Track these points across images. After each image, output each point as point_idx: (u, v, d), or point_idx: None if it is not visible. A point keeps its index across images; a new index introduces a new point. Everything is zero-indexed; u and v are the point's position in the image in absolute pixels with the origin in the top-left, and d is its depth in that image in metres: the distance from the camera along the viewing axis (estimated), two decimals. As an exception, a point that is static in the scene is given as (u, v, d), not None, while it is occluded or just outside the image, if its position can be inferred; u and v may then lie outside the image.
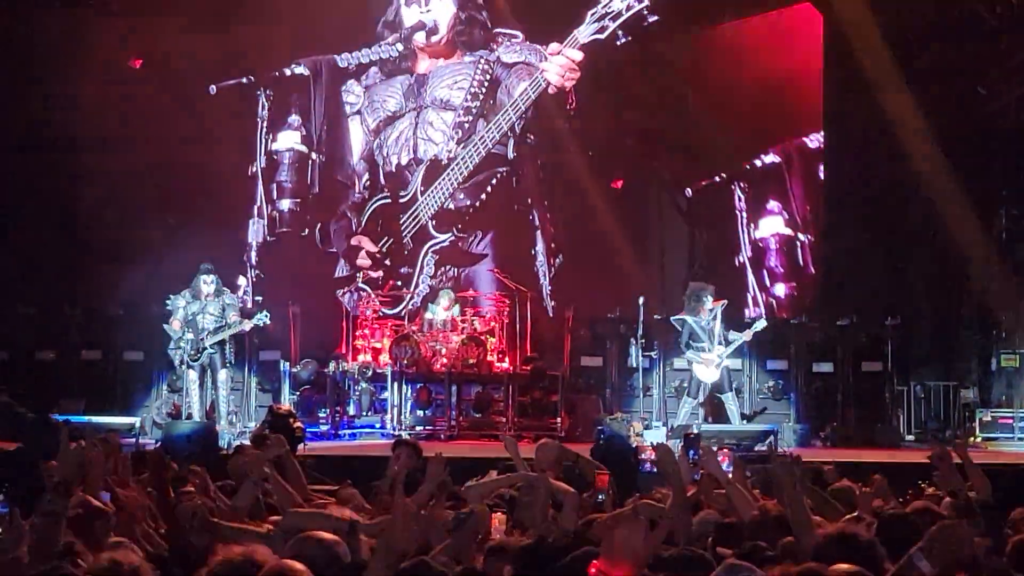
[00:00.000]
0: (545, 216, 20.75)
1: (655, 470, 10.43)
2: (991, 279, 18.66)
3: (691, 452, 7.12)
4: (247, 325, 16.38)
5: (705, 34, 20.93)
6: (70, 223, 19.61)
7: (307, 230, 21.28)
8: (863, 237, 19.08)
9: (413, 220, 20.85)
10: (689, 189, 21.09)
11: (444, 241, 20.48)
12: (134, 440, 14.31)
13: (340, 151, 21.77)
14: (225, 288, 16.85)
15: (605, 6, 19.09)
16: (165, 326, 16.50)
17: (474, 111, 20.91)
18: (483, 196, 20.65)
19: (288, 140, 21.07)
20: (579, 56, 19.70)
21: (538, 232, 20.61)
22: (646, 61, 20.36)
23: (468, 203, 20.68)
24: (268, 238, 20.19)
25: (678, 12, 19.72)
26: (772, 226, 20.40)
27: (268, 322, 16.64)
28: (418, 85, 21.37)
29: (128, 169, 19.65)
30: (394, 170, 21.21)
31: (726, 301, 16.69)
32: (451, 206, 20.70)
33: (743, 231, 20.62)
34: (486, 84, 20.99)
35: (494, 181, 20.68)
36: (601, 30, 19.14)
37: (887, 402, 18.28)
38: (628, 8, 18.97)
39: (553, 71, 20.04)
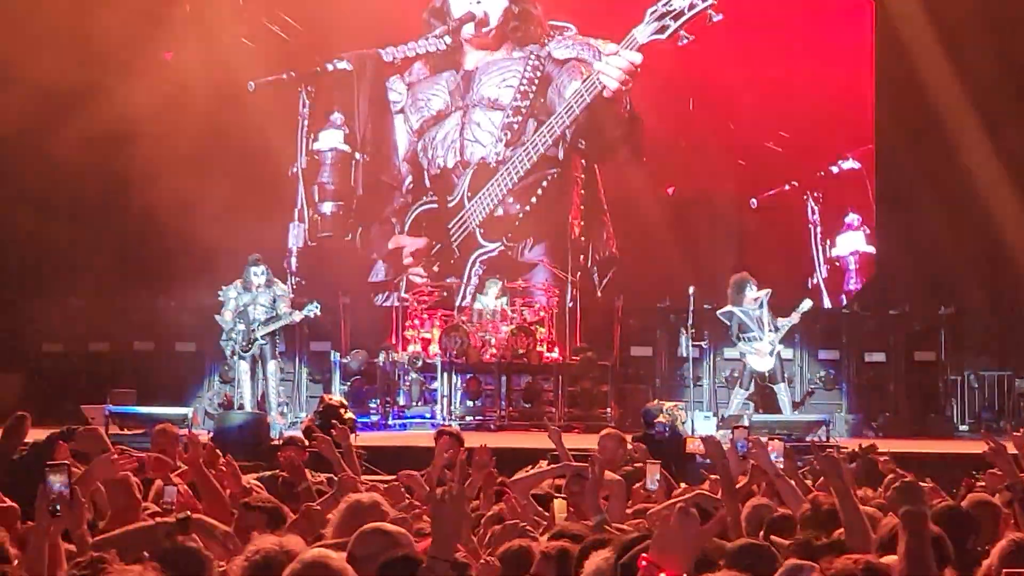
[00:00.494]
0: (599, 218, 19.99)
1: (706, 461, 10.41)
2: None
3: (740, 444, 7.04)
4: (297, 316, 16.43)
5: (754, 34, 19.51)
6: (121, 215, 19.69)
7: (350, 234, 20.48)
8: (916, 226, 18.88)
9: (461, 227, 20.07)
10: (754, 199, 19.69)
11: (493, 251, 19.85)
12: (186, 431, 14.38)
13: (385, 150, 20.95)
14: (276, 279, 16.90)
15: (666, 4, 18.16)
16: (217, 317, 16.59)
17: (523, 111, 20.16)
18: (533, 200, 19.91)
19: (331, 139, 20.47)
20: (638, 59, 18.79)
21: (573, 222, 19.94)
22: (699, 62, 19.10)
23: (517, 208, 19.97)
24: (309, 243, 20.10)
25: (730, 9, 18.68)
26: (851, 243, 19.48)
27: (319, 313, 16.67)
28: (464, 83, 20.53)
29: (168, 165, 18.62)
30: (440, 172, 20.43)
31: (771, 290, 16.54)
32: (500, 212, 19.99)
33: (817, 249, 19.55)
34: (536, 82, 20.18)
35: (544, 183, 19.91)
36: (662, 30, 18.18)
37: (940, 392, 18.14)
38: (691, 6, 17.92)
39: (611, 74, 19.12)
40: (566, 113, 19.61)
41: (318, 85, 20.21)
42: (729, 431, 14.17)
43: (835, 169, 19.66)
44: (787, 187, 19.66)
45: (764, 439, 7.41)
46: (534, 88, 20.14)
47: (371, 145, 20.81)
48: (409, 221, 20.45)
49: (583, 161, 20.17)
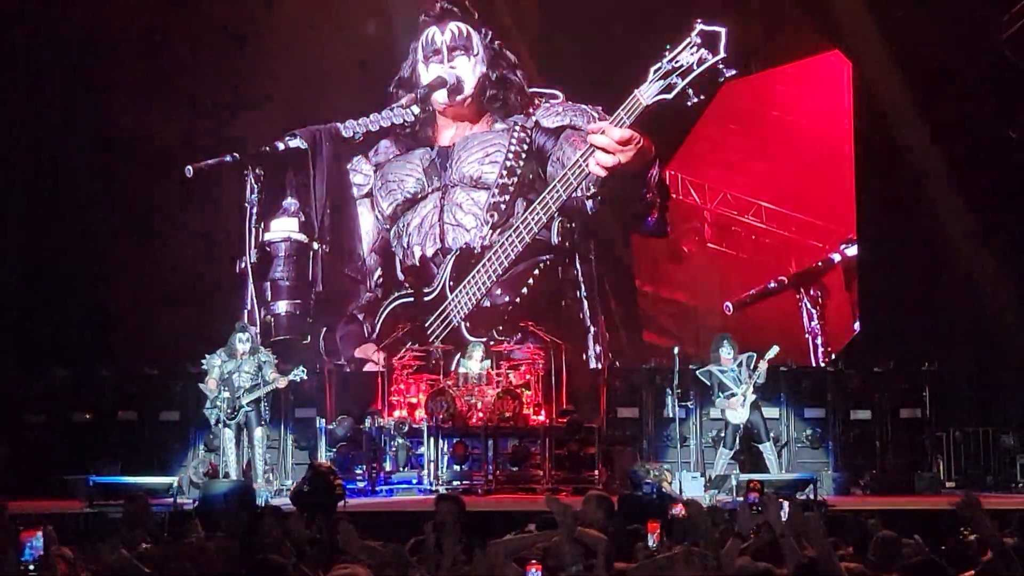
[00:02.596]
0: (595, 303, 18.72)
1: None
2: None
3: (749, 500, 7.04)
4: (282, 382, 16.32)
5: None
6: (103, 284, 19.63)
7: (309, 337, 18.78)
8: (899, 283, 18.97)
9: (442, 322, 18.53)
10: (729, 304, 18.79)
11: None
12: (172, 500, 14.32)
13: (348, 240, 19.03)
14: (261, 346, 16.84)
15: (671, 60, 16.47)
16: (201, 385, 16.50)
17: (511, 188, 18.63)
18: (524, 291, 18.51)
19: (283, 228, 18.70)
20: (625, 135, 17.19)
21: (586, 317, 18.73)
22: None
23: (507, 299, 18.53)
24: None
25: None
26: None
27: (305, 377, 16.55)
28: (441, 160, 18.95)
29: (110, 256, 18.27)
30: (417, 263, 18.81)
31: (754, 354, 16.53)
32: (487, 303, 18.55)
33: (817, 359, 18.94)
34: (524, 156, 18.70)
35: (536, 272, 18.50)
36: (668, 88, 16.47)
37: (926, 449, 18.14)
38: (701, 62, 16.20)
39: (596, 157, 17.35)
40: (562, 187, 18.01)
41: (267, 167, 17.84)
42: (716, 490, 14.21)
43: (836, 257, 18.93)
44: (772, 284, 19.06)
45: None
46: (521, 163, 18.80)
47: (331, 234, 18.92)
48: (381, 319, 18.93)
49: (581, 242, 18.68)
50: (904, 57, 18.38)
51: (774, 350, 16.50)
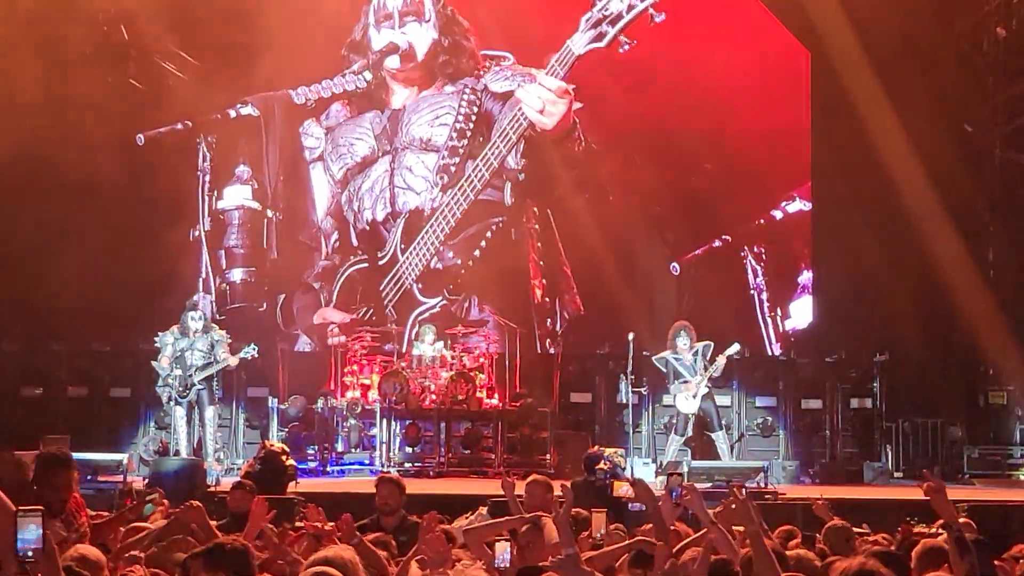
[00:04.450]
0: (538, 265, 18.58)
1: (638, 505, 10.40)
2: (978, 315, 18.69)
3: (673, 492, 6.99)
4: (234, 360, 16.24)
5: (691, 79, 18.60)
6: (54, 260, 19.42)
7: (264, 304, 18.57)
8: (852, 273, 19.08)
9: (396, 284, 18.39)
10: (676, 264, 18.67)
11: (435, 307, 18.62)
12: (121, 476, 14.23)
13: (302, 206, 18.87)
14: (213, 324, 16.74)
15: (602, 8, 16.48)
16: (154, 363, 16.39)
17: (461, 151, 18.50)
18: (476, 253, 18.39)
19: (236, 196, 18.58)
20: (554, 85, 17.23)
21: (535, 283, 18.61)
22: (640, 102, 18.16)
23: (459, 262, 18.43)
24: (218, 317, 17.99)
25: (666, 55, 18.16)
26: (802, 309, 19.01)
27: (256, 355, 16.46)
28: (392, 123, 18.77)
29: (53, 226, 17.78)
30: (368, 227, 18.66)
31: (711, 343, 16.60)
32: (439, 265, 18.43)
33: (765, 321, 18.62)
34: (473, 118, 18.59)
35: (488, 234, 18.40)
36: (599, 37, 16.56)
37: (875, 439, 18.29)
38: (630, 7, 16.23)
39: (530, 105, 17.50)
40: (502, 143, 18.03)
41: (219, 134, 17.94)
42: (664, 478, 14.21)
43: (778, 214, 18.79)
44: (717, 243, 18.80)
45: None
46: (471, 125, 18.61)
47: (284, 200, 18.78)
48: (338, 286, 18.76)
49: (535, 209, 18.65)
50: (863, 48, 18.42)
51: (734, 347, 16.56)
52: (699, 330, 16.79)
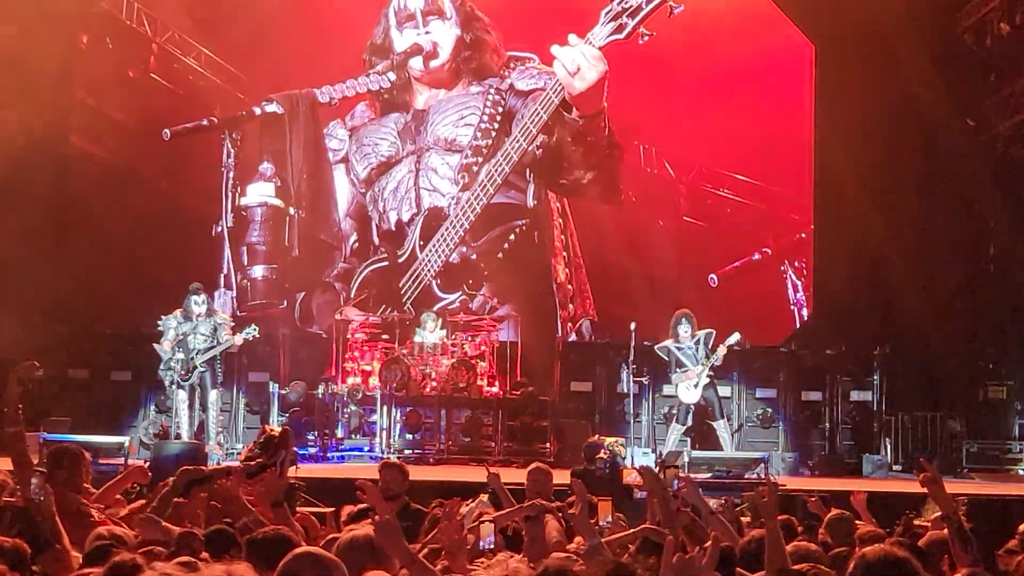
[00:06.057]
0: (560, 265, 18.58)
1: (643, 495, 10.43)
2: (979, 310, 18.73)
3: (672, 484, 7.05)
4: (238, 339, 16.21)
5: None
6: (60, 240, 19.44)
7: (285, 302, 18.59)
8: (853, 266, 19.11)
9: (415, 282, 18.38)
10: (714, 276, 18.86)
11: (453, 302, 18.59)
12: (123, 460, 14.26)
13: (324, 205, 18.90)
14: (216, 308, 16.76)
15: (621, 2, 16.65)
16: (156, 346, 16.42)
17: (484, 151, 18.44)
18: (500, 255, 18.40)
19: (260, 192, 18.57)
20: (591, 51, 16.94)
21: (558, 267, 18.64)
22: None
23: (476, 257, 18.46)
24: (239, 313, 17.99)
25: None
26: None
27: (257, 335, 16.44)
28: (416, 123, 18.83)
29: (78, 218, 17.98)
30: (393, 227, 18.66)
31: (712, 331, 16.62)
32: (456, 259, 18.38)
33: (799, 316, 18.94)
34: (498, 118, 18.53)
35: (512, 236, 18.42)
36: (619, 29, 16.60)
37: (875, 432, 18.31)
38: (649, 1, 16.38)
39: (565, 64, 17.05)
40: (523, 136, 17.90)
41: (244, 132, 17.72)
42: (661, 471, 14.23)
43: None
44: (756, 256, 18.98)
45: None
46: (496, 125, 18.59)
47: (307, 198, 18.75)
48: (356, 284, 18.76)
49: (558, 205, 18.51)
50: (866, 43, 18.44)
51: (735, 336, 16.56)
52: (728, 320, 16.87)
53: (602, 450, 13.38)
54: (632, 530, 6.48)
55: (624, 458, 14.63)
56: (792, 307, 18.92)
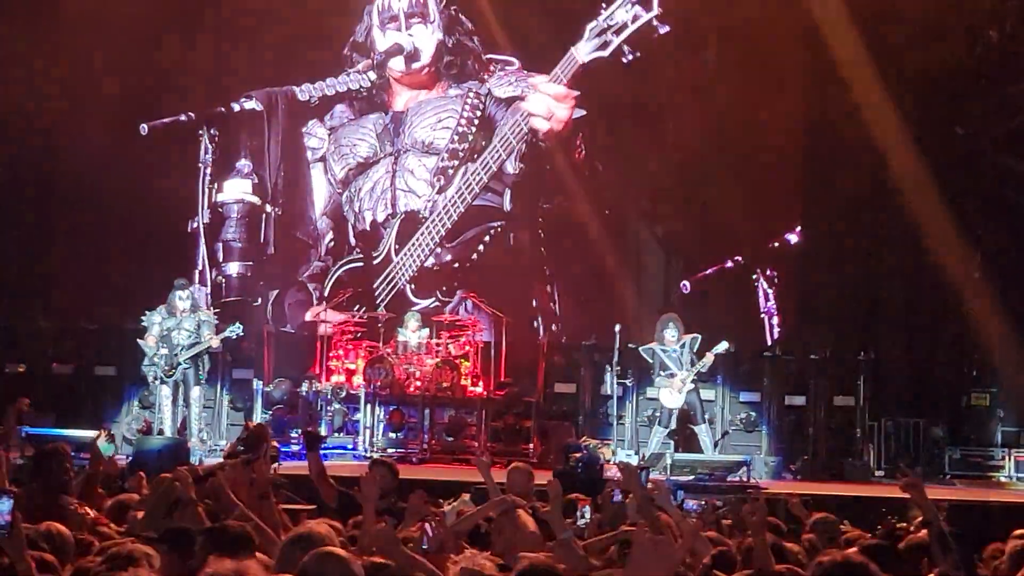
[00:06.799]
0: (543, 270, 18.70)
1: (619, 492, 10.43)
2: (964, 317, 18.75)
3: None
4: (216, 342, 16.18)
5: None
6: (45, 236, 19.38)
7: (259, 299, 18.58)
8: (838, 272, 19.12)
9: (388, 284, 18.43)
10: (686, 283, 18.60)
11: (427, 308, 18.53)
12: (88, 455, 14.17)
13: (301, 203, 18.86)
14: (200, 305, 16.71)
15: (607, 18, 16.79)
16: (140, 342, 16.37)
17: (461, 154, 18.45)
18: (474, 256, 18.41)
19: (237, 189, 18.53)
20: (559, 91, 17.42)
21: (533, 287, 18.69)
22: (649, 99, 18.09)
23: (456, 265, 18.46)
24: (212, 309, 17.50)
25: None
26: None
27: (241, 334, 16.42)
28: (394, 125, 18.77)
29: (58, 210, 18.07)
30: (368, 228, 18.67)
31: (698, 336, 16.62)
32: (433, 264, 18.42)
33: (772, 335, 18.64)
34: (476, 122, 18.54)
35: (487, 239, 18.40)
36: (603, 46, 16.81)
37: (858, 437, 18.31)
38: (635, 19, 16.53)
39: (536, 112, 17.62)
40: (502, 147, 18.15)
41: (222, 128, 17.63)
42: (655, 471, 14.26)
43: (793, 238, 18.66)
44: (729, 264, 18.69)
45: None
46: (473, 129, 18.62)
47: (284, 197, 18.73)
48: (330, 284, 18.75)
49: (541, 219, 18.66)
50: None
51: (723, 345, 16.56)
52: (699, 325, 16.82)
53: (580, 451, 13.38)
54: (612, 533, 6.47)
55: (608, 460, 14.64)
56: (763, 315, 18.79)
